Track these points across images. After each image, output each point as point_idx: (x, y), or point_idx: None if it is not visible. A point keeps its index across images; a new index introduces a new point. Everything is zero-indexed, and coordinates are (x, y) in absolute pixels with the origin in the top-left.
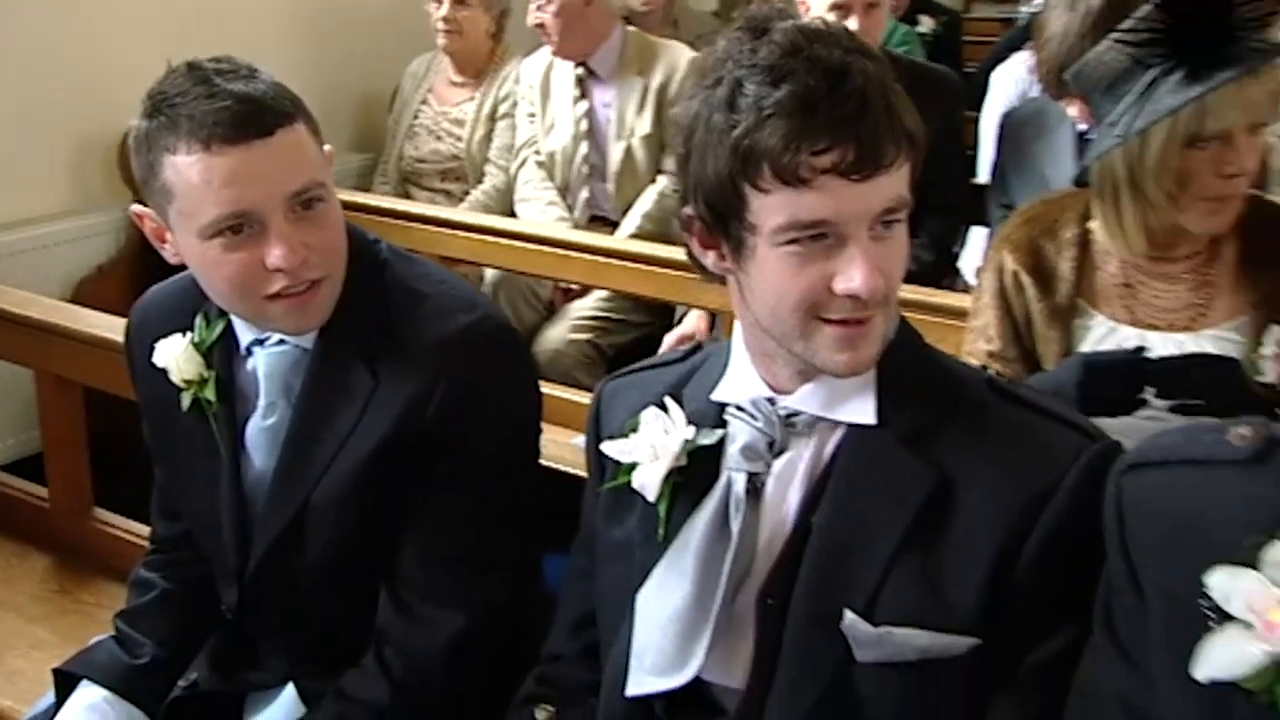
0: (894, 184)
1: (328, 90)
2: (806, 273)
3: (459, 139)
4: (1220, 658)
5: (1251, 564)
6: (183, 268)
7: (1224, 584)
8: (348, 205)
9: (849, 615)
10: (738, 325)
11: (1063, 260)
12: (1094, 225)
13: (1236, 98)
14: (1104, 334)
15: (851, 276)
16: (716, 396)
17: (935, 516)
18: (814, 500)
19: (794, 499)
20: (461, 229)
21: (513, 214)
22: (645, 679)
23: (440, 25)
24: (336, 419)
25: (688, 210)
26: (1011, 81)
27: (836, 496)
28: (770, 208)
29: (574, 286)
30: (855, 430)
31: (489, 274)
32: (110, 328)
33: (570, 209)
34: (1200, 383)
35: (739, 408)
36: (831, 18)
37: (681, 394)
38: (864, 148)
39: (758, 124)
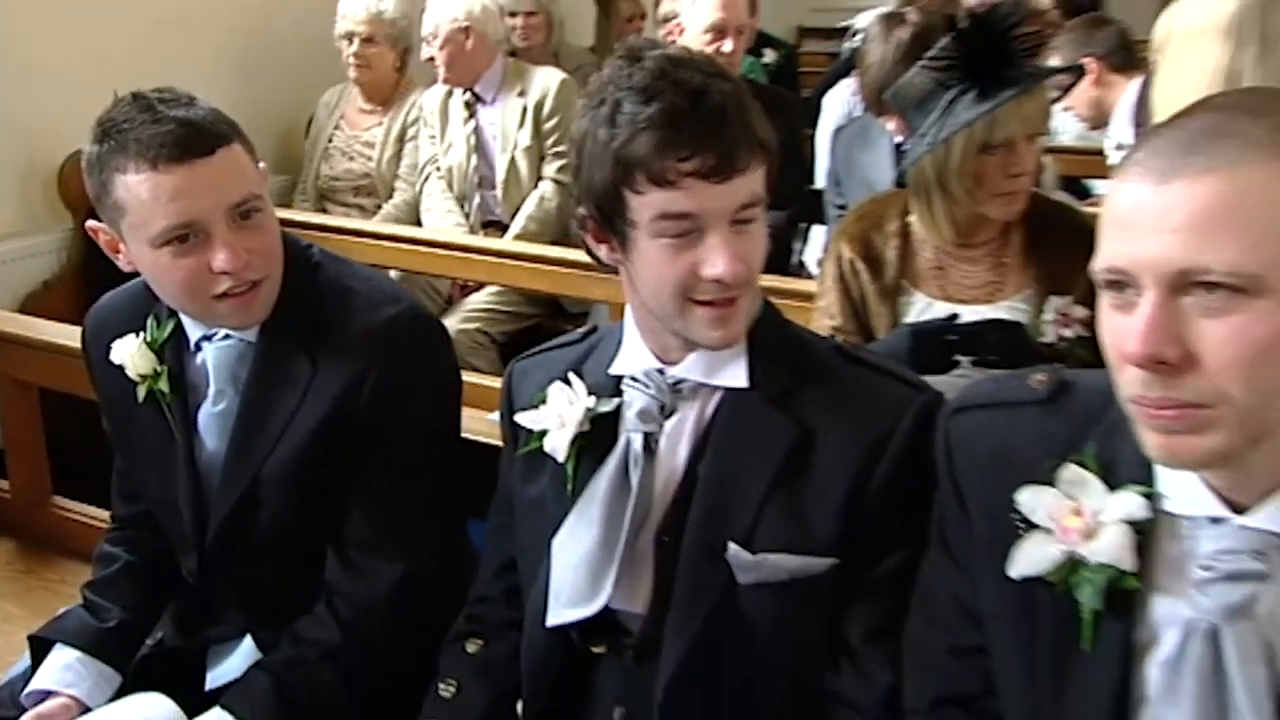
0: (749, 184)
1: (249, 118)
2: (678, 261)
3: (370, 159)
4: (1028, 559)
5: (1050, 483)
6: (131, 277)
7: (1029, 500)
8: None
9: (732, 546)
10: (628, 308)
11: (889, 249)
12: (912, 219)
13: (1017, 112)
14: (923, 308)
15: (715, 263)
16: (613, 370)
17: (799, 461)
18: (699, 453)
19: (683, 453)
20: (374, 238)
21: (418, 224)
22: (562, 611)
23: (351, 60)
24: (280, 403)
25: (581, 211)
26: (840, 104)
27: (718, 449)
28: (646, 206)
29: (470, 283)
30: (731, 393)
31: (392, 273)
32: (62, 334)
33: (466, 215)
34: (995, 344)
35: (634, 379)
36: (707, 38)
37: (582, 370)
38: (721, 155)
39: (632, 137)
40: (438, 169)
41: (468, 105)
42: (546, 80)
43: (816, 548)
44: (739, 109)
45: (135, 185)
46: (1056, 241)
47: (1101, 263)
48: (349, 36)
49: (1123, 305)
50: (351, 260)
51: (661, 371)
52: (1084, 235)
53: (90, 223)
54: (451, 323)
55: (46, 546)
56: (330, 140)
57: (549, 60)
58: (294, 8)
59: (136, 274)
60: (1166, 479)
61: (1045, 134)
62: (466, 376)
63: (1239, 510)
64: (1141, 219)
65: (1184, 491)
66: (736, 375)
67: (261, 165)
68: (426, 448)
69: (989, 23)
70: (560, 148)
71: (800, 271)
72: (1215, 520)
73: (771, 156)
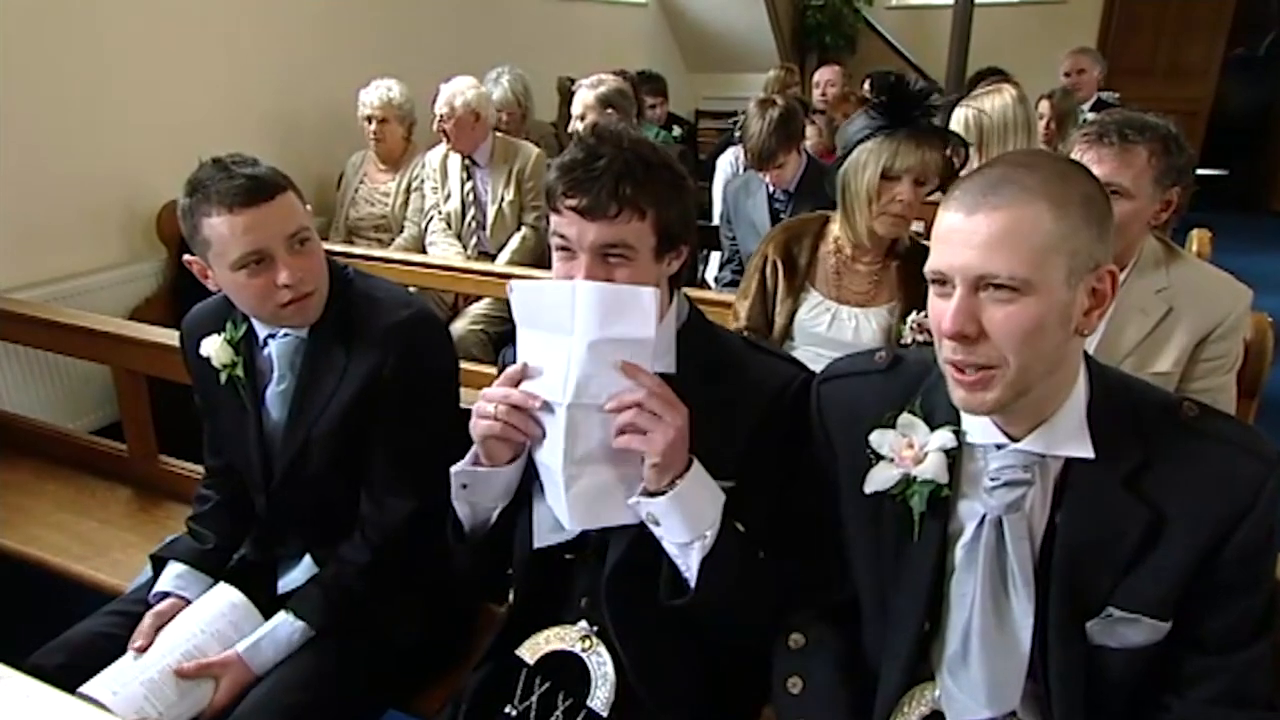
0: (617, 231)
1: (294, 175)
2: (562, 269)
3: (385, 205)
4: (877, 479)
5: (891, 426)
6: (211, 293)
7: (877, 439)
8: None
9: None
10: None
11: (801, 257)
12: (824, 237)
13: (913, 154)
14: (815, 303)
15: (573, 276)
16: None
17: (719, 419)
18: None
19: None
20: (390, 263)
21: (423, 253)
22: (546, 536)
23: (371, 134)
24: (325, 383)
25: (543, 218)
26: (727, 164)
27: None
28: (553, 225)
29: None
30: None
31: (410, 288)
32: (161, 336)
33: (465, 248)
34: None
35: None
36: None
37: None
38: (591, 201)
39: (551, 175)
40: (439, 213)
41: (466, 168)
42: (526, 152)
43: (723, 473)
44: (624, 174)
45: (217, 225)
46: (922, 274)
47: (929, 265)
48: (369, 118)
49: (942, 295)
50: (375, 276)
51: None
52: None
53: (186, 256)
54: (460, 324)
55: (155, 492)
56: (356, 191)
57: (523, 133)
58: (325, 94)
59: (217, 291)
60: (967, 420)
61: (930, 184)
62: (468, 365)
63: (1014, 439)
64: (955, 238)
65: (979, 428)
66: (667, 363)
67: (307, 207)
68: (430, 415)
69: (901, 85)
70: (536, 203)
71: (703, 285)
72: (999, 446)
73: (658, 218)
